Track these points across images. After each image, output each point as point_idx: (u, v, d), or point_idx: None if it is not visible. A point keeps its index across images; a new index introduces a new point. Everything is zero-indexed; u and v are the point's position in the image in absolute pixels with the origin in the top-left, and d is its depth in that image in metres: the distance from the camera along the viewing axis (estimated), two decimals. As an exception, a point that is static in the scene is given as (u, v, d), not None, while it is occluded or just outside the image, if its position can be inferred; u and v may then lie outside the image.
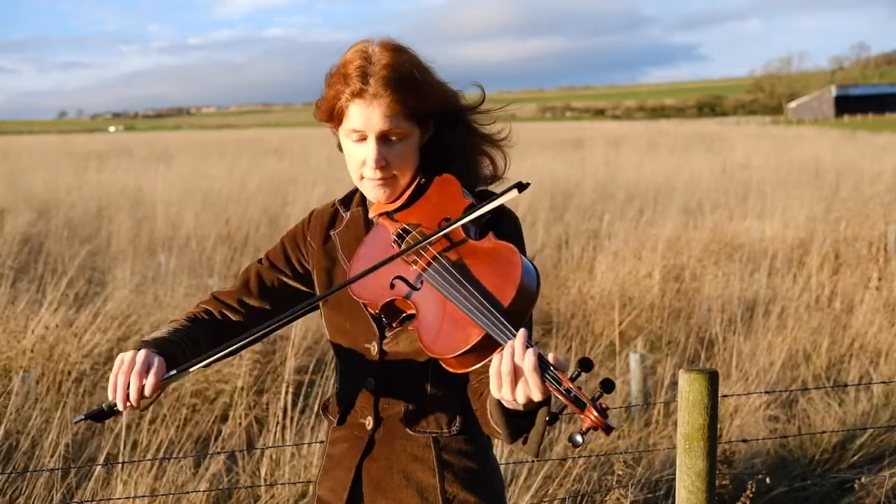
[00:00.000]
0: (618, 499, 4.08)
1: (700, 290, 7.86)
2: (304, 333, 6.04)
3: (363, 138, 1.89)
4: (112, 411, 1.83)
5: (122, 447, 4.26)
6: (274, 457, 4.24)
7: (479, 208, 1.82)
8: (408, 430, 1.93)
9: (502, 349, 1.64)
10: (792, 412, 5.44)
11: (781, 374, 5.86)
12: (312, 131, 52.13)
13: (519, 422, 1.70)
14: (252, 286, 2.07)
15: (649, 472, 4.51)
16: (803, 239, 9.83)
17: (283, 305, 2.05)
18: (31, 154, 31.20)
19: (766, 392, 5.22)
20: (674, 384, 5.61)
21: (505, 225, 1.94)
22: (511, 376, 1.61)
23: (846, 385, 5.60)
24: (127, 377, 1.78)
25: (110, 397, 1.80)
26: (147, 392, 1.78)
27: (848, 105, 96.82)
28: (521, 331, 1.63)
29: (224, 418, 5.17)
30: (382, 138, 1.88)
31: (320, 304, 2.02)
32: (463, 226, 1.83)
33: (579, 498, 4.09)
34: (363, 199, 2.04)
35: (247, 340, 1.89)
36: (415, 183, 1.95)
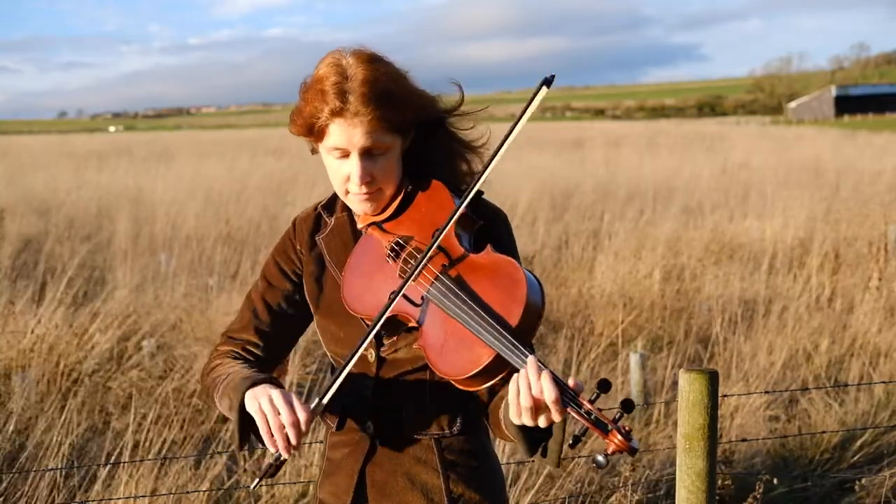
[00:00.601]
0: (618, 499, 4.08)
1: (700, 289, 7.87)
2: (305, 333, 6.04)
3: (346, 155, 1.86)
4: (281, 462, 1.82)
5: (123, 447, 4.27)
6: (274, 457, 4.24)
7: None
8: (409, 432, 1.93)
9: (513, 371, 1.63)
10: (792, 412, 5.44)
11: (781, 374, 5.86)
12: (312, 131, 51.94)
13: (536, 436, 1.70)
14: (261, 314, 2.02)
15: (649, 472, 4.51)
16: (803, 239, 9.83)
17: (296, 322, 2.03)
18: (32, 154, 31.20)
19: (767, 392, 5.22)
20: (674, 384, 5.62)
21: (497, 228, 1.94)
22: (531, 411, 1.61)
23: (846, 385, 5.60)
24: (281, 429, 1.74)
25: (271, 449, 1.77)
26: (304, 429, 1.75)
27: (848, 105, 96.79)
28: (531, 359, 1.62)
29: (225, 418, 5.16)
30: (365, 153, 1.85)
31: (314, 312, 2.00)
32: (458, 236, 1.80)
33: (580, 498, 4.09)
34: (346, 203, 2.01)
35: (352, 356, 1.83)
36: (402, 192, 1.92)
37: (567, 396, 1.59)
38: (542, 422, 1.62)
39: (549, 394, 1.58)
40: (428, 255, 1.78)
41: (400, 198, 1.92)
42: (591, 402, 1.58)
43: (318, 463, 3.94)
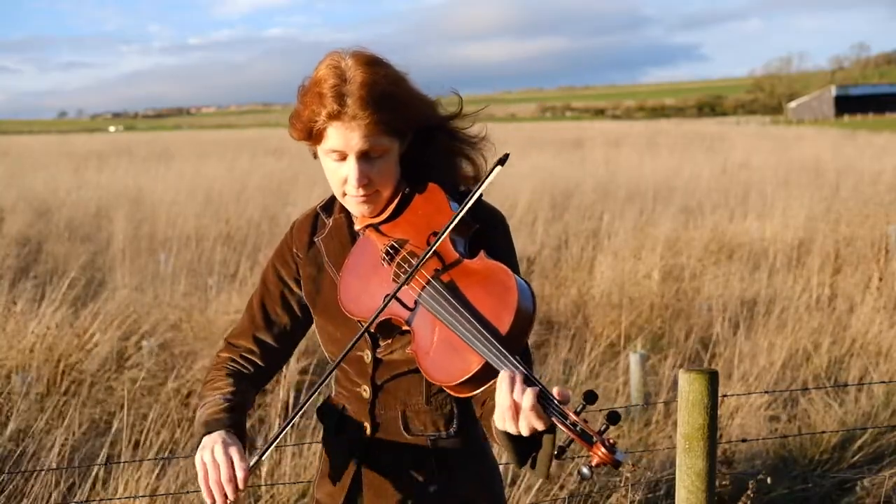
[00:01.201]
0: (618, 499, 4.08)
1: (700, 290, 7.86)
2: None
3: (343, 158, 1.86)
4: None
5: (122, 447, 4.26)
6: (274, 457, 4.24)
7: (463, 209, 1.80)
8: (406, 434, 1.93)
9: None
10: (792, 412, 5.44)
11: (782, 374, 5.86)
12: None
13: (525, 448, 1.69)
14: (259, 320, 2.03)
15: (649, 472, 4.51)
16: (803, 239, 9.83)
17: (295, 327, 2.04)
18: (32, 154, 31.21)
19: (767, 392, 5.22)
20: (674, 384, 5.62)
21: (493, 230, 1.93)
22: (512, 412, 1.61)
23: (846, 385, 5.60)
24: (220, 485, 1.76)
25: (207, 502, 1.79)
26: (241, 486, 1.77)
27: (848, 105, 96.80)
28: (518, 376, 1.61)
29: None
30: (363, 156, 1.85)
31: (312, 312, 2.01)
32: (453, 241, 1.81)
33: (580, 498, 4.09)
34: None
35: (310, 396, 1.84)
36: (399, 194, 1.92)
37: (552, 407, 1.58)
38: (524, 428, 1.61)
39: (527, 400, 1.58)
40: (422, 262, 1.78)
41: (397, 200, 1.92)
42: (577, 412, 1.58)
43: (318, 464, 3.93)
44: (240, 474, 1.76)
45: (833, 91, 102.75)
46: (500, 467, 2.08)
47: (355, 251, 1.94)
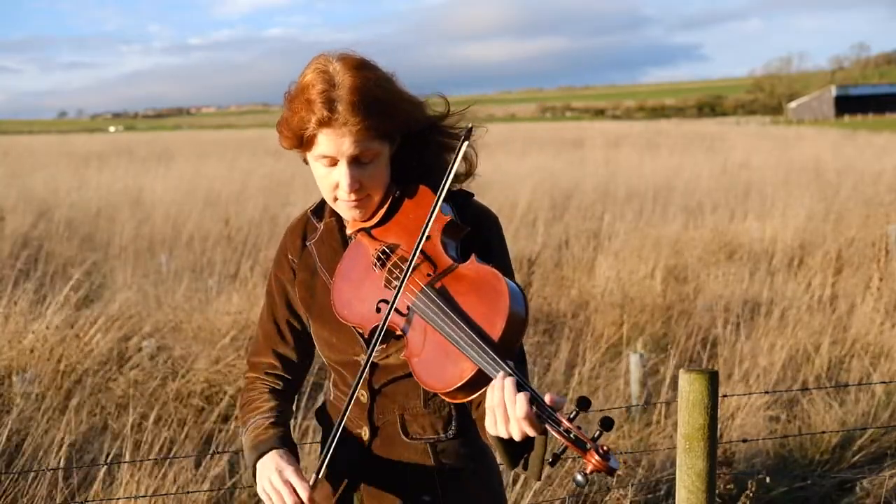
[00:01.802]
0: (618, 499, 4.08)
1: (701, 290, 7.87)
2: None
3: (334, 163, 1.85)
4: None
5: (124, 447, 4.27)
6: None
7: (439, 198, 1.80)
8: (404, 437, 1.92)
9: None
10: (792, 412, 5.44)
11: (782, 375, 5.86)
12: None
13: (518, 449, 1.69)
14: (273, 333, 2.04)
15: (649, 472, 4.51)
16: (804, 239, 9.83)
17: (308, 333, 2.03)
18: (32, 154, 31.20)
19: (767, 392, 5.22)
20: (674, 384, 5.62)
21: (486, 230, 1.92)
22: (505, 418, 1.61)
23: (847, 385, 5.60)
24: None
25: None
26: None
27: (848, 105, 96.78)
28: (509, 379, 1.60)
29: (226, 418, 5.17)
30: (354, 161, 1.84)
31: (307, 317, 2.00)
32: (444, 245, 1.80)
33: (580, 498, 4.09)
34: None
35: (345, 408, 1.86)
36: (390, 198, 1.91)
37: (545, 414, 1.58)
38: (516, 435, 1.61)
39: (520, 408, 1.58)
40: (410, 268, 1.77)
41: (388, 204, 1.91)
42: (571, 419, 1.57)
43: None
44: (304, 495, 1.81)
45: (833, 91, 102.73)
46: (500, 467, 2.07)
47: (347, 256, 1.93)
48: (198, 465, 4.25)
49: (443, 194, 1.81)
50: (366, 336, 1.86)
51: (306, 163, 1.94)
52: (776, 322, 6.61)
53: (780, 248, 9.38)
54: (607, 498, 4.14)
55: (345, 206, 1.90)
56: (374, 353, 1.89)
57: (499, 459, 1.75)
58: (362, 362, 1.91)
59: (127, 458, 4.15)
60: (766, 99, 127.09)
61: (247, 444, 1.93)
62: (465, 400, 1.70)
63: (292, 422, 4.58)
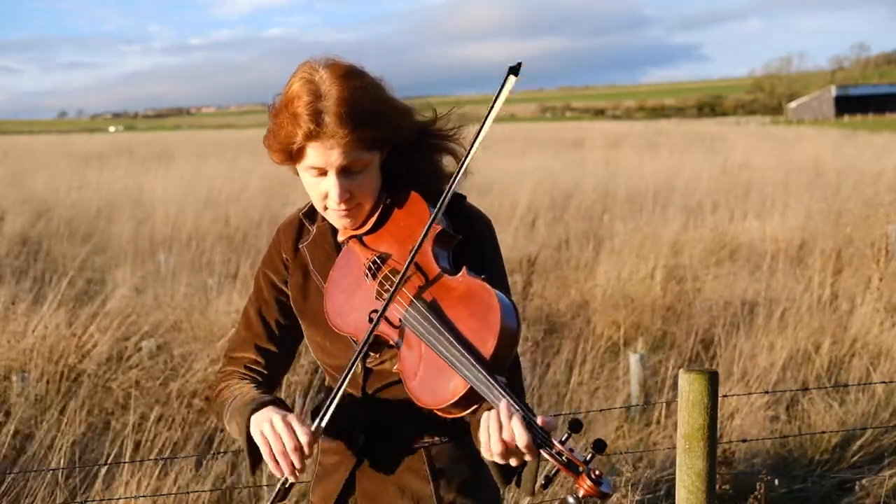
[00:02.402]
0: (618, 499, 4.08)
1: (701, 290, 7.87)
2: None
3: (323, 173, 1.82)
4: (289, 486, 1.82)
5: (124, 448, 4.27)
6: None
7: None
8: (399, 441, 1.91)
9: (487, 405, 1.62)
10: (792, 412, 5.45)
11: (782, 375, 5.87)
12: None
13: (510, 467, 1.68)
14: (257, 329, 2.01)
15: (649, 472, 4.51)
16: (804, 239, 9.83)
17: (294, 331, 2.02)
18: (32, 154, 31.20)
19: (767, 392, 5.22)
20: (674, 384, 5.62)
21: (478, 235, 1.90)
22: (502, 454, 1.60)
23: (847, 385, 5.60)
24: (285, 454, 1.75)
25: (277, 474, 1.79)
26: (308, 452, 1.76)
27: (848, 105, 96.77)
28: (503, 403, 1.59)
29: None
30: (343, 171, 1.81)
31: (301, 321, 1.99)
32: (436, 255, 1.78)
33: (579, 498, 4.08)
34: None
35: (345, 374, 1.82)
36: (381, 206, 1.90)
37: (538, 437, 1.57)
38: (512, 461, 1.61)
39: (520, 440, 1.57)
40: (402, 281, 1.76)
41: (379, 212, 1.89)
42: (562, 442, 1.57)
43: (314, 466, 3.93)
44: (304, 439, 1.74)
45: (833, 91, 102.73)
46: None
47: (339, 263, 1.91)
48: (199, 465, 4.25)
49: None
50: (359, 344, 1.85)
51: (296, 174, 1.92)
52: (776, 322, 6.61)
53: (780, 248, 9.38)
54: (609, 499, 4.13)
55: (335, 216, 1.88)
56: (368, 361, 1.88)
57: (494, 478, 1.74)
58: (357, 368, 1.89)
59: (127, 458, 4.15)
60: (766, 99, 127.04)
61: (237, 406, 1.85)
62: (460, 415, 1.69)
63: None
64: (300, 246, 1.99)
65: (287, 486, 1.81)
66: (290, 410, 1.84)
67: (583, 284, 7.90)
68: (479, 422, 1.67)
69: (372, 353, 1.89)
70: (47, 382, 5.40)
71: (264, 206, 12.96)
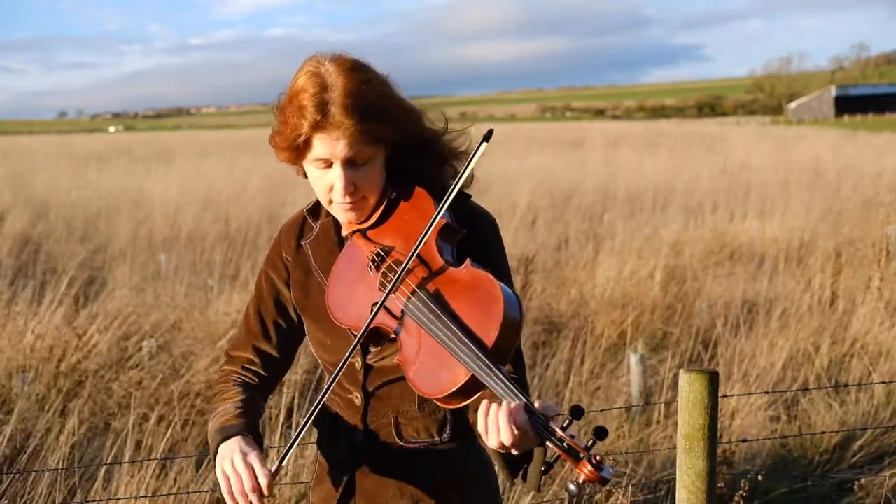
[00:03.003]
0: (618, 499, 4.08)
1: (701, 290, 7.87)
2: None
3: (329, 165, 1.83)
4: None
5: (124, 448, 4.26)
6: (275, 458, 4.25)
7: (447, 200, 1.78)
8: (399, 441, 1.91)
9: (490, 394, 1.62)
10: (792, 412, 5.45)
11: (782, 375, 5.87)
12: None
13: (517, 458, 1.68)
14: (256, 329, 2.01)
15: (649, 472, 4.51)
16: (804, 239, 9.83)
17: (293, 332, 2.02)
18: (32, 154, 31.20)
19: (767, 392, 5.22)
20: (674, 384, 5.62)
21: (483, 233, 1.90)
22: (503, 441, 1.59)
23: (847, 385, 5.60)
24: (243, 495, 1.77)
25: None
26: (266, 493, 1.78)
27: (848, 105, 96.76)
28: (504, 391, 1.59)
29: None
30: (348, 163, 1.82)
31: (302, 318, 2.00)
32: (440, 248, 1.78)
33: (580, 499, 4.09)
34: None
35: (319, 399, 1.84)
36: (385, 200, 1.90)
37: (538, 423, 1.57)
38: (514, 450, 1.61)
39: (521, 426, 1.57)
40: (405, 270, 1.76)
41: (383, 206, 1.90)
42: (564, 428, 1.57)
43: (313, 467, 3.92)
44: (263, 482, 1.76)
45: (833, 91, 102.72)
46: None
47: (342, 258, 1.91)
48: (198, 465, 4.25)
49: (447, 202, 1.78)
50: (361, 341, 1.85)
51: (303, 176, 1.92)
52: (776, 322, 6.61)
53: (780, 248, 9.38)
54: (609, 499, 4.14)
55: (340, 209, 1.89)
56: (368, 357, 1.88)
57: (497, 471, 1.74)
58: (357, 365, 1.90)
59: (127, 458, 4.15)
60: (766, 99, 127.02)
61: (213, 427, 1.88)
62: (459, 405, 1.69)
63: (291, 420, 4.58)
64: (303, 243, 2.00)
65: None
66: (260, 443, 1.86)
67: (583, 284, 7.90)
68: (478, 412, 1.67)
69: (372, 349, 1.88)
70: (48, 383, 5.40)
71: (264, 206, 12.96)
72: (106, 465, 4.09)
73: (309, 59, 1.84)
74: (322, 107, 1.76)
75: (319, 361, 2.01)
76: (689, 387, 2.71)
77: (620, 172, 17.96)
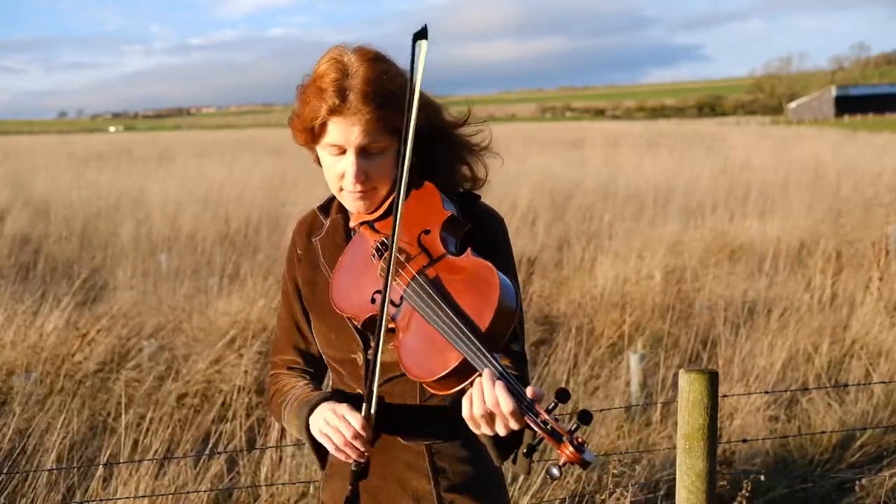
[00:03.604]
0: (618, 499, 4.08)
1: (701, 290, 7.87)
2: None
3: (342, 152, 1.85)
4: (364, 466, 1.85)
5: (122, 447, 4.26)
6: (274, 457, 4.24)
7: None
8: (401, 439, 1.92)
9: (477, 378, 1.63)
10: (792, 412, 5.44)
11: (782, 375, 5.86)
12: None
13: (505, 441, 1.69)
14: (290, 330, 2.04)
15: (649, 472, 4.51)
16: (804, 239, 9.83)
17: None
18: (32, 154, 31.20)
19: (767, 392, 5.22)
20: (674, 384, 5.62)
21: (490, 230, 1.92)
22: (486, 419, 1.61)
23: (846, 385, 5.60)
24: (347, 444, 1.79)
25: (347, 461, 1.83)
26: (366, 436, 1.79)
27: (848, 105, 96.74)
28: (487, 371, 1.60)
29: (224, 418, 5.16)
30: (362, 151, 1.84)
31: (310, 313, 2.01)
32: (444, 240, 1.80)
33: (579, 498, 4.09)
34: (342, 205, 2.00)
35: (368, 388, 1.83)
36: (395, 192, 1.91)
37: (524, 405, 1.58)
38: (500, 430, 1.62)
39: (504, 405, 1.58)
40: (392, 249, 1.76)
41: (392, 198, 1.89)
42: (549, 410, 1.57)
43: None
44: (358, 424, 1.77)
45: (833, 91, 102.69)
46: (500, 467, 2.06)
47: (349, 249, 1.93)
48: (196, 464, 4.25)
49: (409, 136, 1.76)
50: (359, 326, 1.86)
51: (317, 163, 1.94)
52: (776, 322, 6.61)
53: (780, 248, 9.38)
54: (607, 498, 4.13)
55: (350, 198, 1.90)
56: (369, 353, 1.87)
57: (490, 454, 1.75)
58: (359, 360, 1.90)
59: (125, 457, 4.15)
60: (767, 99, 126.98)
61: (293, 410, 1.90)
62: (452, 390, 1.69)
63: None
64: (313, 240, 2.02)
65: (360, 466, 1.83)
66: (341, 401, 1.87)
67: (583, 284, 7.90)
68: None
69: (373, 342, 1.88)
70: (48, 382, 5.40)
71: (264, 206, 12.96)
72: (104, 464, 4.08)
73: (332, 48, 1.88)
74: (341, 92, 1.79)
75: (324, 358, 2.02)
76: (689, 387, 2.71)
77: (620, 172, 17.95)
